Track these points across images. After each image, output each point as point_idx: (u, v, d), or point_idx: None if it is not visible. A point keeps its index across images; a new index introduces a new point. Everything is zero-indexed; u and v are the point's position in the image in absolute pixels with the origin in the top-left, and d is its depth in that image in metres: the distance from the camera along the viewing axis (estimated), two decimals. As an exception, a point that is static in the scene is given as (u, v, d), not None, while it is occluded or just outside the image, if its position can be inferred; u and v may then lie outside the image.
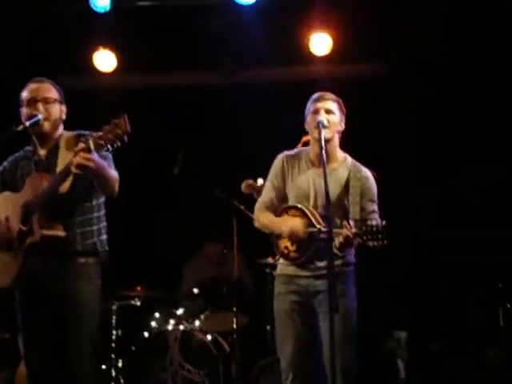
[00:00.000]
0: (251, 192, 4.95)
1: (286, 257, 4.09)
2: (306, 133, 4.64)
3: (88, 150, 3.49)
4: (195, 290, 6.20)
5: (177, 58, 6.58)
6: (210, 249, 6.95)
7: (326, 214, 3.82)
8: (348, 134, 4.20)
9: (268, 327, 5.79)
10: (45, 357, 3.82)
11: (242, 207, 5.57)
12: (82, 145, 3.51)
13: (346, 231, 3.79)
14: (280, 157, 4.22)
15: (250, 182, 4.97)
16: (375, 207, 4.05)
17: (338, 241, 3.82)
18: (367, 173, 4.11)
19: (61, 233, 3.77)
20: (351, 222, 3.81)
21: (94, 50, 6.71)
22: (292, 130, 4.96)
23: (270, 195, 4.19)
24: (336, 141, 4.12)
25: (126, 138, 3.46)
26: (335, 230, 3.81)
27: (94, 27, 6.44)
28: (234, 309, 5.77)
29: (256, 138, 6.57)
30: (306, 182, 4.09)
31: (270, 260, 5.57)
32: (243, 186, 5.01)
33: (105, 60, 6.76)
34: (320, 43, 6.51)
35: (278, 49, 6.46)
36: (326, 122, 3.97)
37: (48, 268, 3.80)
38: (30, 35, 6.33)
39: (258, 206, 4.25)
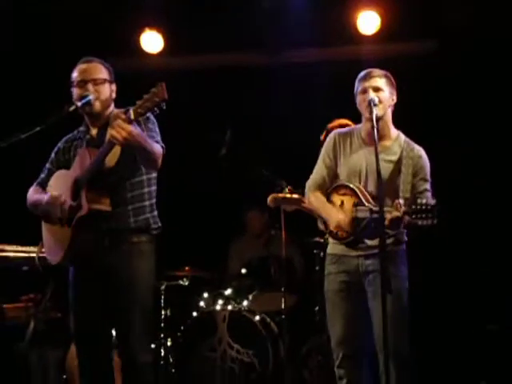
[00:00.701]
0: (277, 205, 4.98)
1: (334, 236, 4.08)
2: (351, 113, 4.63)
3: (128, 120, 3.54)
4: (243, 270, 6.24)
5: (224, 38, 6.53)
6: (251, 219, 6.97)
7: (378, 193, 3.79)
8: (398, 114, 4.15)
9: (316, 308, 5.78)
10: (95, 332, 3.87)
11: (289, 187, 5.55)
12: (122, 115, 3.57)
13: (395, 211, 3.76)
14: (332, 135, 4.19)
15: (274, 195, 4.99)
16: (428, 186, 4.00)
17: (387, 219, 3.79)
18: (420, 151, 4.06)
19: (107, 207, 3.79)
20: (401, 201, 3.78)
21: (141, 31, 6.74)
22: (340, 110, 4.95)
23: (321, 173, 4.17)
24: (388, 117, 4.06)
25: (163, 106, 3.52)
26: (385, 209, 3.78)
27: (141, 8, 6.45)
28: (283, 289, 5.77)
29: (303, 118, 6.53)
30: (357, 160, 4.05)
31: (318, 239, 5.56)
32: (269, 201, 5.05)
33: (152, 41, 6.79)
34: (367, 22, 6.45)
35: (325, 28, 6.40)
36: (376, 100, 3.92)
37: (101, 244, 3.83)
38: (78, 16, 6.35)
39: (309, 183, 4.23)
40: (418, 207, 3.67)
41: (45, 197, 3.92)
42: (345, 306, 4.04)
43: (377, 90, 3.98)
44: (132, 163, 3.85)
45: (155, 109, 3.52)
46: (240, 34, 6.50)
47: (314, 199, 4.17)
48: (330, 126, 4.90)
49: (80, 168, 3.82)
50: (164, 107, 3.52)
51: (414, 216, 3.69)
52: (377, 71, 4.05)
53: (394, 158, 4.02)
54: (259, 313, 5.91)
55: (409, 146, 4.04)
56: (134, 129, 3.58)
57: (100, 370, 3.90)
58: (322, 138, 4.88)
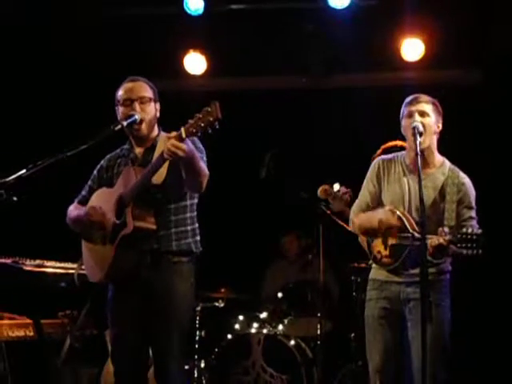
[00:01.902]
0: (326, 197, 4.90)
1: (378, 261, 4.04)
2: (394, 139, 4.61)
3: (180, 138, 3.51)
4: (279, 294, 6.20)
5: (267, 61, 6.57)
6: (287, 243, 6.97)
7: (421, 220, 3.74)
8: (439, 144, 4.11)
9: (352, 335, 5.73)
10: (133, 352, 3.85)
11: (328, 211, 5.53)
12: (174, 133, 3.54)
13: (439, 239, 3.71)
14: (376, 161, 4.17)
15: (326, 187, 4.90)
16: (473, 214, 3.96)
17: (430, 247, 3.74)
18: (465, 178, 4.02)
19: (152, 225, 3.78)
20: (445, 229, 3.73)
21: (185, 53, 6.79)
22: (381, 136, 4.92)
23: (365, 199, 4.14)
24: (433, 144, 4.02)
25: (217, 125, 3.45)
26: (428, 236, 3.73)
27: (185, 30, 6.50)
28: (319, 314, 5.73)
29: (344, 143, 6.52)
30: (401, 187, 4.02)
31: (356, 265, 5.53)
32: (319, 190, 4.95)
33: (195, 63, 6.83)
34: (412, 48, 6.43)
35: (369, 54, 6.39)
36: (421, 128, 3.89)
37: (142, 264, 3.81)
38: (122, 37, 6.42)
39: (353, 209, 4.20)
40: (464, 236, 3.62)
41: (83, 209, 3.94)
42: (384, 333, 3.99)
43: (423, 114, 3.95)
44: (177, 185, 3.84)
45: (208, 128, 3.46)
46: (283, 57, 6.53)
47: (359, 220, 4.13)
48: (384, 146, 4.86)
49: (125, 186, 3.82)
50: (217, 127, 3.45)
51: (458, 245, 3.64)
52: (424, 97, 4.02)
53: (438, 185, 3.98)
54: (294, 338, 5.88)
55: (453, 174, 4.00)
56: (186, 146, 3.54)
57: None
58: (375, 156, 4.86)
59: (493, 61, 6.32)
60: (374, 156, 4.86)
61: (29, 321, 4.97)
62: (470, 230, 3.63)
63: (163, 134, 3.93)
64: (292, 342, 5.80)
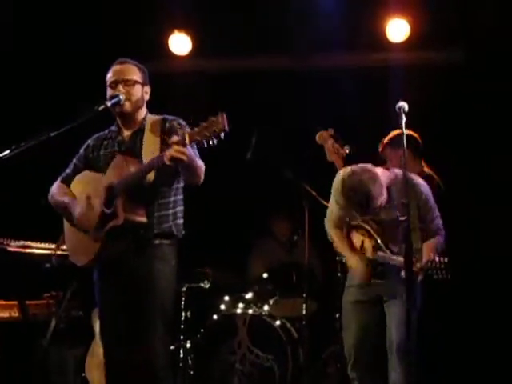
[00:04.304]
0: (322, 143, 4.81)
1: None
2: (377, 119, 4.60)
3: (183, 144, 3.49)
4: (265, 275, 6.22)
5: (251, 41, 6.54)
6: (277, 227, 6.94)
7: (406, 202, 3.73)
8: (423, 125, 4.11)
9: (337, 315, 5.75)
10: (120, 334, 3.88)
11: (314, 193, 5.53)
12: (176, 137, 3.51)
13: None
14: (340, 177, 4.07)
15: (324, 133, 4.81)
16: (436, 213, 4.10)
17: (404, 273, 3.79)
18: (419, 185, 4.09)
19: (143, 219, 3.80)
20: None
21: (170, 33, 6.75)
22: (365, 117, 4.92)
23: (337, 214, 4.22)
24: None
25: (222, 136, 3.42)
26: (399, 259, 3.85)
27: (169, 10, 6.46)
28: (304, 295, 5.74)
29: (328, 123, 6.50)
30: None
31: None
32: (317, 135, 4.86)
33: (180, 43, 6.80)
34: (397, 29, 6.42)
35: (354, 34, 6.37)
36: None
37: (128, 250, 3.83)
38: (106, 17, 6.36)
39: (328, 220, 4.32)
40: (433, 264, 3.77)
41: (75, 210, 3.93)
42: (360, 316, 4.17)
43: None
44: (167, 178, 3.87)
45: (213, 138, 3.42)
46: (269, 37, 6.49)
47: (336, 239, 4.29)
48: (387, 139, 4.84)
49: (115, 175, 3.81)
50: (222, 138, 3.42)
51: (429, 272, 3.79)
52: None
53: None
54: (280, 318, 5.91)
55: (411, 182, 4.01)
56: (188, 151, 3.54)
57: (123, 369, 3.90)
58: (380, 149, 4.86)
59: (476, 41, 6.31)
60: (380, 148, 4.85)
61: (14, 302, 4.97)
62: (437, 259, 3.77)
63: (150, 117, 3.93)
64: (277, 323, 5.82)
